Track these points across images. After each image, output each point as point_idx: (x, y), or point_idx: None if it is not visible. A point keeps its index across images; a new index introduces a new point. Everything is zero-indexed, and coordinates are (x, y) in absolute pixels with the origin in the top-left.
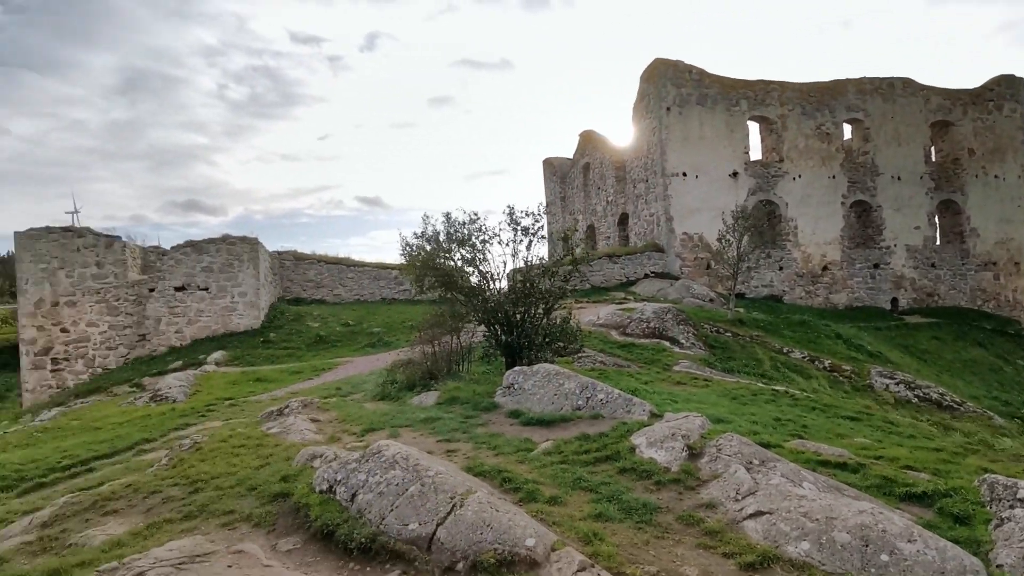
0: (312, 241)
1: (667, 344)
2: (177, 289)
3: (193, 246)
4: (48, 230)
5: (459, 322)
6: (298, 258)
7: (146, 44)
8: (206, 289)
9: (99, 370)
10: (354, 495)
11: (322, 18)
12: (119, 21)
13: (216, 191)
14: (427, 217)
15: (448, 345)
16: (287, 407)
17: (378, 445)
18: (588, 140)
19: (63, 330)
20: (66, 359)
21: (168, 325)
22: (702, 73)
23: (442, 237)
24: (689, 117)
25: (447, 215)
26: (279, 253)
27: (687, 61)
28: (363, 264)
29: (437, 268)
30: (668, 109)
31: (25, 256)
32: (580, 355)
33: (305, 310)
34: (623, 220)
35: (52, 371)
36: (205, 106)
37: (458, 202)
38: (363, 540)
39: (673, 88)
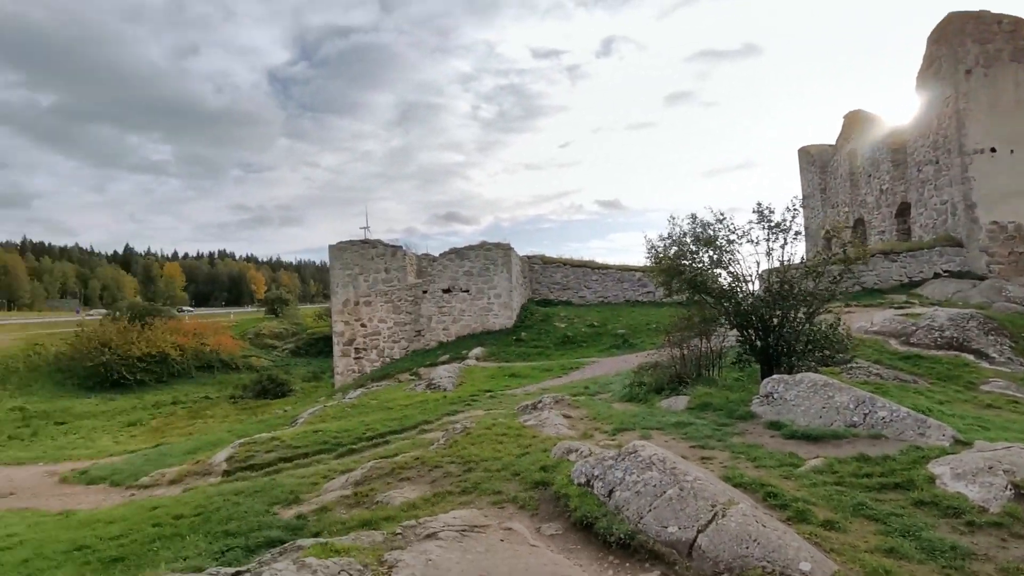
0: (554, 245)
1: (970, 358)
2: (444, 291)
3: (456, 252)
4: (351, 243)
5: (709, 325)
6: (545, 262)
7: (415, 80)
8: (467, 291)
9: (387, 359)
10: (611, 491)
11: (560, 31)
12: (396, 64)
13: (470, 202)
14: (673, 218)
15: (697, 349)
16: (540, 402)
17: (633, 445)
18: (854, 122)
19: (362, 325)
20: (364, 349)
21: (437, 323)
22: (1018, 22)
23: (688, 238)
24: (999, 78)
25: (693, 215)
26: (528, 257)
27: (993, 11)
28: (607, 267)
29: (684, 270)
30: (968, 72)
31: (336, 264)
32: (850, 366)
33: (552, 311)
34: (902, 211)
35: (355, 358)
36: (461, 127)
37: (699, 200)
38: (622, 536)
39: (975, 46)
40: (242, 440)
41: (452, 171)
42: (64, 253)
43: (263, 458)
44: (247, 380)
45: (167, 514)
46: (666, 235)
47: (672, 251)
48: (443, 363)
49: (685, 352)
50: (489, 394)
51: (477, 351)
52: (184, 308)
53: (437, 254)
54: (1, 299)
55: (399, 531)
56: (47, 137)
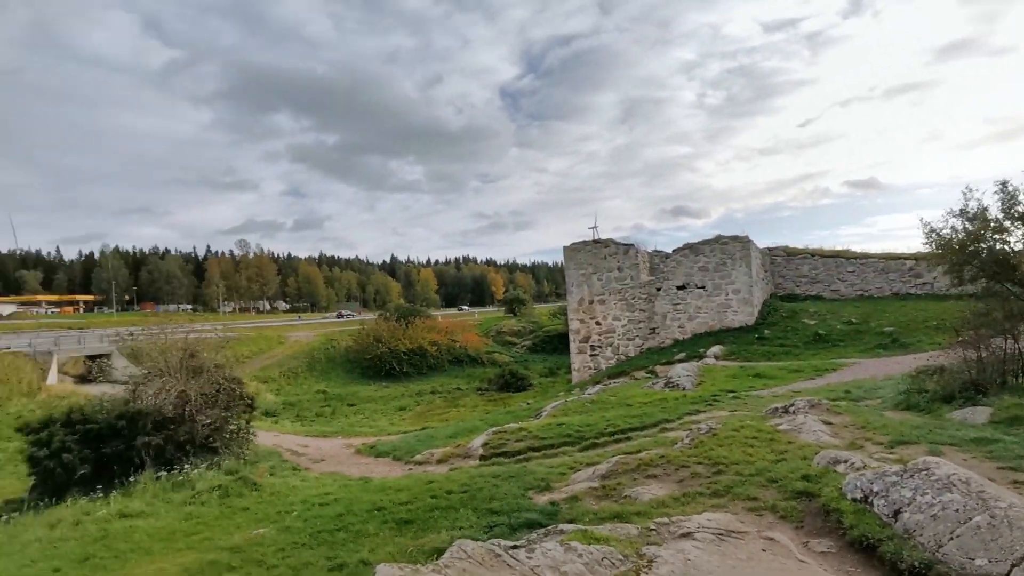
0: (796, 234)
1: None
2: (678, 288)
3: (690, 248)
4: (584, 243)
5: (1016, 322)
6: (789, 253)
7: (637, 76)
8: (703, 287)
9: (622, 356)
10: (897, 512)
11: None
12: (618, 63)
13: (698, 195)
14: (969, 190)
15: (1000, 351)
16: (792, 406)
17: (924, 461)
18: None
19: (597, 323)
20: (599, 346)
21: (672, 320)
22: None
23: (993, 214)
24: None
25: (1002, 184)
26: (769, 249)
27: None
28: (866, 256)
29: (987, 253)
30: None
31: (570, 265)
32: None
33: (800, 306)
34: None
35: (591, 355)
36: (687, 117)
37: (990, 170)
38: (915, 564)
39: None
40: (494, 429)
41: (678, 164)
42: (348, 264)
43: (513, 446)
44: (491, 374)
45: (440, 488)
46: (957, 211)
47: (965, 230)
48: (679, 361)
49: (983, 354)
50: (732, 395)
51: (716, 349)
52: (463, 307)
53: (670, 250)
54: (306, 303)
55: (652, 527)
56: (332, 169)
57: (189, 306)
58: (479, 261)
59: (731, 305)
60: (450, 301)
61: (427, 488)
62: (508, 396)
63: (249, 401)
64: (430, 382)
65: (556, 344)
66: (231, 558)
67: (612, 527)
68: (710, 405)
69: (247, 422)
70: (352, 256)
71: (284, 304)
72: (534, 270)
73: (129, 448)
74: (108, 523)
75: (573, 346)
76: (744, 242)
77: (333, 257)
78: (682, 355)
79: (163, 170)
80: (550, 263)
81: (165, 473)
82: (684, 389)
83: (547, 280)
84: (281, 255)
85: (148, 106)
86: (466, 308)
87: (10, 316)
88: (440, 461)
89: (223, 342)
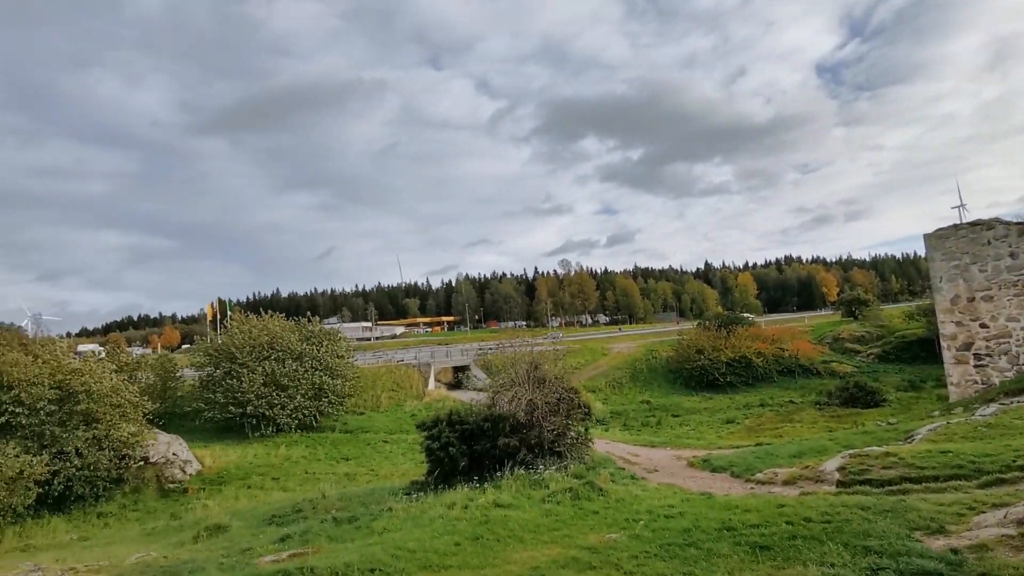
0: None
1: None
2: None
3: None
4: (955, 227)
5: None
6: None
7: (1008, 6)
8: None
9: None
10: None
11: None
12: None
13: None
14: None
15: None
16: None
17: None
18: None
19: (982, 325)
20: (988, 355)
21: None
22: None
23: None
24: None
25: None
26: None
27: None
28: None
29: None
30: None
31: (936, 256)
32: None
33: None
34: None
35: (975, 366)
36: None
37: None
38: None
39: None
40: (851, 451)
41: None
42: (662, 274)
43: (880, 474)
44: (831, 386)
45: (795, 514)
46: None
47: None
48: None
49: None
50: None
51: None
52: (885, 300)
53: None
54: (624, 315)
55: None
56: (639, 183)
57: (523, 322)
58: (804, 260)
59: None
60: (772, 306)
61: (779, 512)
62: (855, 413)
63: (585, 410)
64: (757, 394)
65: (915, 351)
66: (590, 557)
67: None
68: None
69: (585, 430)
70: (665, 266)
71: (604, 317)
72: (876, 265)
73: (493, 447)
74: (488, 510)
75: (947, 355)
76: None
77: (647, 269)
78: None
79: (495, 205)
80: (897, 255)
81: (523, 472)
82: None
83: (895, 276)
84: (598, 271)
85: (481, 153)
86: (893, 304)
87: (401, 335)
88: (786, 482)
89: (558, 355)
